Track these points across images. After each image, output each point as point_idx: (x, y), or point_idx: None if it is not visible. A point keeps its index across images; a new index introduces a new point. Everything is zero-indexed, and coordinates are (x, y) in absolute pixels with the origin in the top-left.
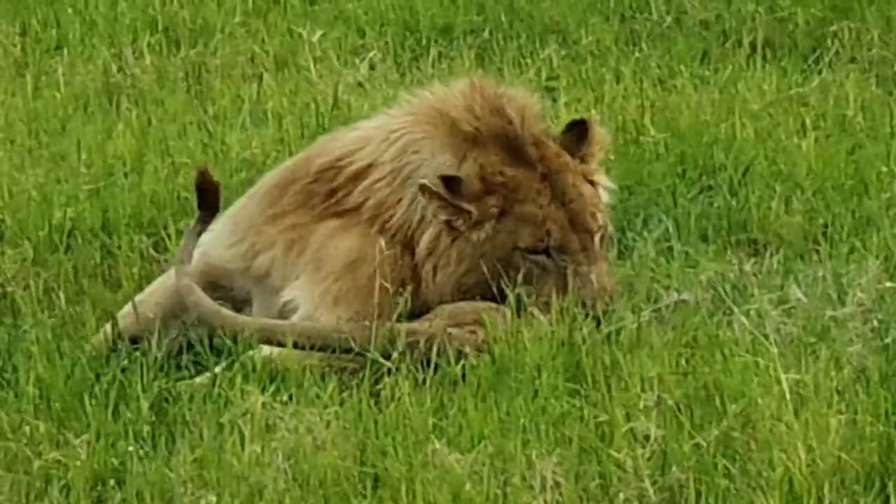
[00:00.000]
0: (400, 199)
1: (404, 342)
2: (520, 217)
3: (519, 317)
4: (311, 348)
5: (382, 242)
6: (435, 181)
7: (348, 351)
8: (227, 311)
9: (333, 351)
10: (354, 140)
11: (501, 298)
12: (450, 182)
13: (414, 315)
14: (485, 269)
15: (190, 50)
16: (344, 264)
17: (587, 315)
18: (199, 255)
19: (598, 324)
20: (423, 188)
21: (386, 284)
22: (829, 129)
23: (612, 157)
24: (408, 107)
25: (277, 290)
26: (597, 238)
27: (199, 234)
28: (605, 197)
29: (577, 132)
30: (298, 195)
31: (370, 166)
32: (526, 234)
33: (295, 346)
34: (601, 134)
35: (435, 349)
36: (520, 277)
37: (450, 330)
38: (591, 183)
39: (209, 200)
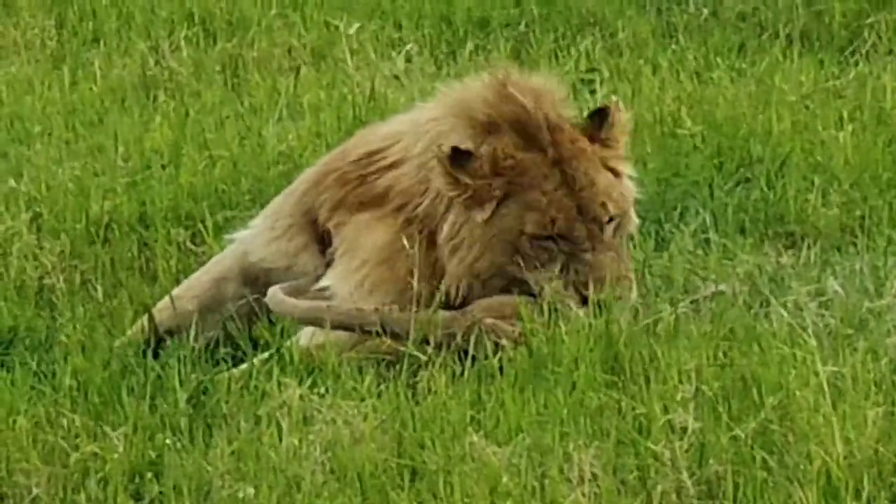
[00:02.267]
0: (426, 190)
1: (442, 332)
2: (525, 202)
3: (547, 309)
4: (350, 330)
5: (404, 236)
6: (444, 149)
7: (384, 334)
8: (289, 299)
9: (369, 332)
10: (388, 135)
11: (517, 284)
12: (458, 154)
13: (446, 308)
14: (496, 252)
15: (227, 43)
16: (378, 255)
17: (581, 299)
18: (239, 254)
19: (585, 303)
20: (435, 154)
21: (411, 281)
22: (866, 121)
23: (648, 150)
24: (441, 99)
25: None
26: (608, 227)
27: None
28: (629, 185)
29: (599, 118)
30: (334, 188)
31: (402, 160)
32: (531, 219)
33: (334, 327)
34: (621, 118)
35: (472, 341)
36: (524, 262)
37: (487, 320)
38: (612, 171)
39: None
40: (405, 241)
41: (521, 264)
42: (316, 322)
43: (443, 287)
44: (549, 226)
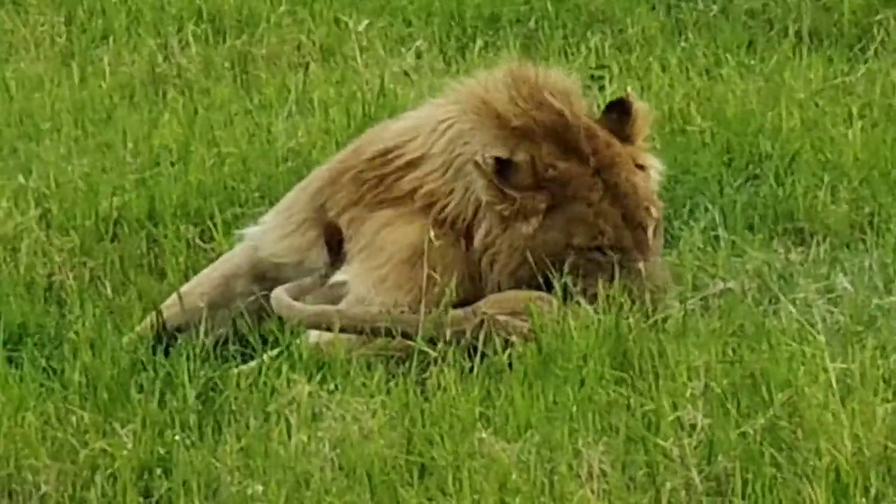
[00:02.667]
0: (452, 190)
1: (451, 330)
2: (572, 215)
3: (566, 305)
4: (359, 333)
5: (432, 233)
6: (488, 160)
7: (394, 336)
8: (295, 303)
9: (379, 334)
10: (403, 130)
11: (552, 289)
12: (502, 165)
13: (465, 304)
14: (540, 263)
15: (236, 39)
16: (401, 253)
17: (637, 308)
18: (249, 250)
19: (648, 317)
20: (476, 164)
21: (435, 275)
22: (875, 117)
23: (658, 147)
24: (453, 95)
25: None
26: (650, 232)
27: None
28: (655, 178)
29: (618, 112)
30: (350, 187)
31: (422, 157)
32: (579, 232)
33: (343, 330)
34: (643, 110)
35: (482, 337)
36: (572, 272)
37: (497, 317)
38: (640, 167)
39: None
40: (434, 239)
41: (565, 273)
42: (325, 326)
43: (486, 289)
44: (598, 237)
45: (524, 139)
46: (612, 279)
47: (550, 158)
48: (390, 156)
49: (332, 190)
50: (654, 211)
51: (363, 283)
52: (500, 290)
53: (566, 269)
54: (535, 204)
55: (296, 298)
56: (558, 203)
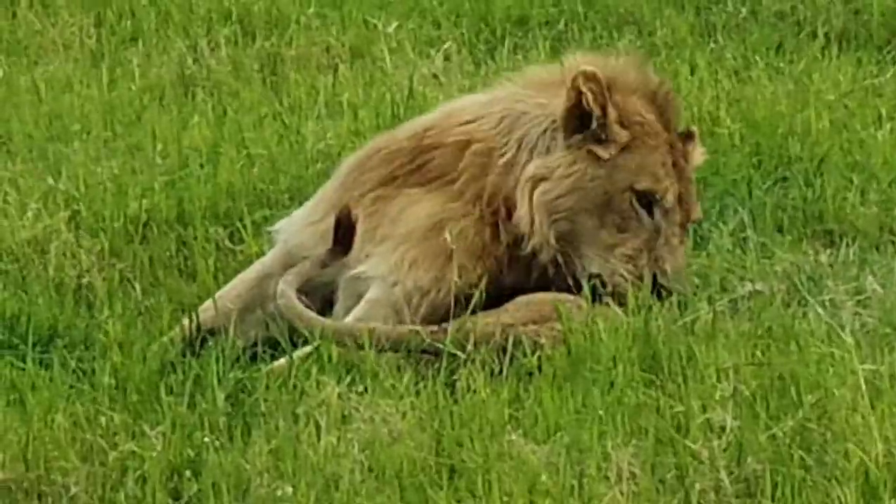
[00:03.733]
0: (506, 143)
1: (479, 337)
2: (645, 160)
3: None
4: (388, 349)
5: (450, 208)
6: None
7: (424, 351)
8: (309, 312)
9: (409, 352)
10: (447, 112)
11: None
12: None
13: (490, 297)
14: (586, 198)
15: (265, 41)
16: (421, 229)
17: (657, 288)
18: (281, 247)
19: (660, 297)
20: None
21: (457, 256)
22: None
23: None
24: (509, 85)
25: (354, 263)
26: (688, 225)
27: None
28: None
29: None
30: (381, 168)
31: (471, 139)
32: (646, 177)
33: (371, 347)
34: (698, 150)
35: (511, 340)
36: (608, 221)
37: (528, 326)
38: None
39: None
40: (462, 211)
41: (606, 224)
42: (353, 342)
43: (518, 223)
44: (662, 191)
45: (612, 90)
46: (648, 245)
47: (639, 108)
48: (430, 133)
49: (360, 171)
50: (698, 209)
51: (386, 265)
52: (529, 222)
53: (610, 220)
54: (618, 135)
55: (299, 287)
56: (636, 147)
